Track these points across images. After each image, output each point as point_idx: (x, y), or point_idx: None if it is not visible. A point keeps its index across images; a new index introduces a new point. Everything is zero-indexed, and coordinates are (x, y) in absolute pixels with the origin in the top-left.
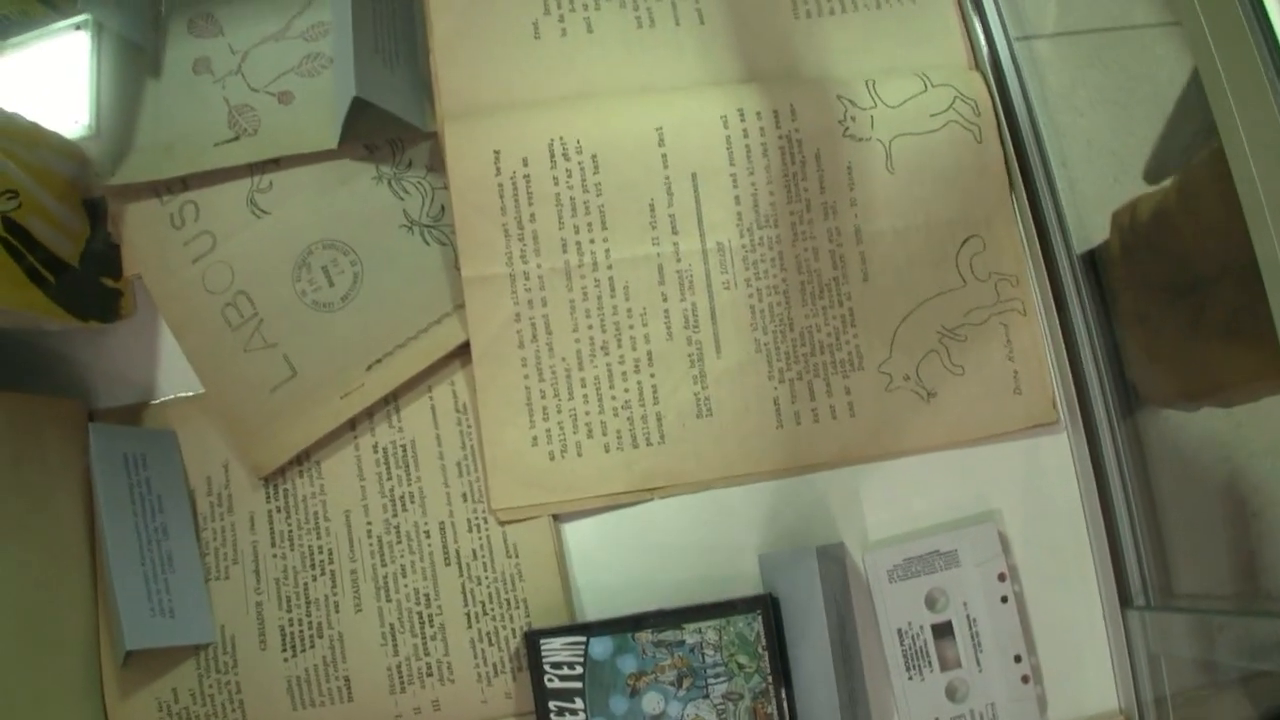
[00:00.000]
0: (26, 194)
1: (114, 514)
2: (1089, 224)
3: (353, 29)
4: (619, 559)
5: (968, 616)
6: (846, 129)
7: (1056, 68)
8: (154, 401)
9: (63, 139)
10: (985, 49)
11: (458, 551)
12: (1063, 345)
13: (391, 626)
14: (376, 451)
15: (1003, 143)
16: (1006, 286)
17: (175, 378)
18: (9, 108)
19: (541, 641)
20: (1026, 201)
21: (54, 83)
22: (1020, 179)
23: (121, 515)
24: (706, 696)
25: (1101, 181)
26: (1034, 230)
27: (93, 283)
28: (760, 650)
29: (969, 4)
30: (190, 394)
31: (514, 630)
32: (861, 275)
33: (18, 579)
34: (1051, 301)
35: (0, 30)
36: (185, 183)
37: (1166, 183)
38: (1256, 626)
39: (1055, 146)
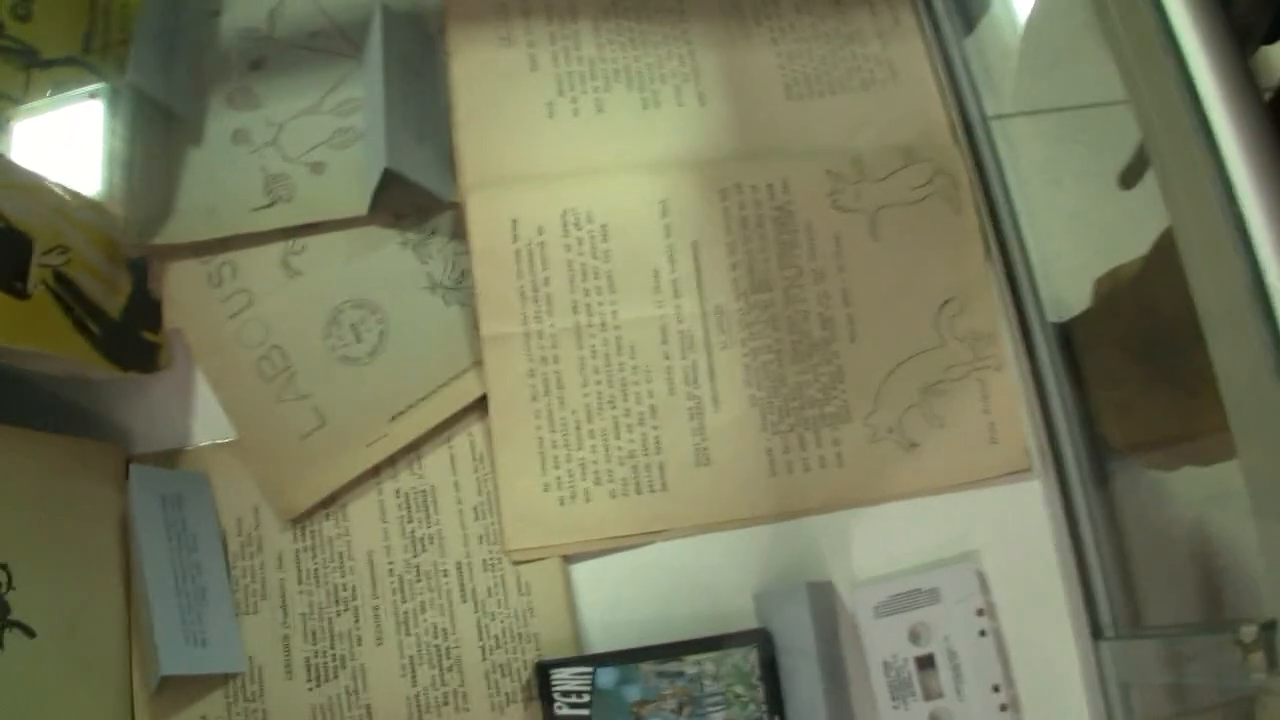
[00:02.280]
0: (76, 250)
1: (152, 549)
2: (1073, 293)
3: (384, 107)
4: (624, 596)
5: (949, 649)
6: (835, 201)
7: (1036, 143)
8: (188, 448)
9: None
10: (962, 127)
11: (474, 590)
12: (1035, 398)
13: (411, 659)
14: (399, 496)
15: (978, 214)
16: (982, 345)
17: (208, 426)
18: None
19: (552, 672)
20: (1002, 266)
21: (68, 149)
22: (996, 246)
23: (159, 551)
24: None
25: (1086, 251)
26: (1009, 292)
27: (134, 335)
28: (755, 681)
29: (947, 86)
30: (222, 441)
31: (526, 662)
32: (849, 336)
33: (57, 608)
34: (1025, 358)
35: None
36: (224, 244)
37: (1144, 251)
38: (1214, 649)
39: (1033, 217)
